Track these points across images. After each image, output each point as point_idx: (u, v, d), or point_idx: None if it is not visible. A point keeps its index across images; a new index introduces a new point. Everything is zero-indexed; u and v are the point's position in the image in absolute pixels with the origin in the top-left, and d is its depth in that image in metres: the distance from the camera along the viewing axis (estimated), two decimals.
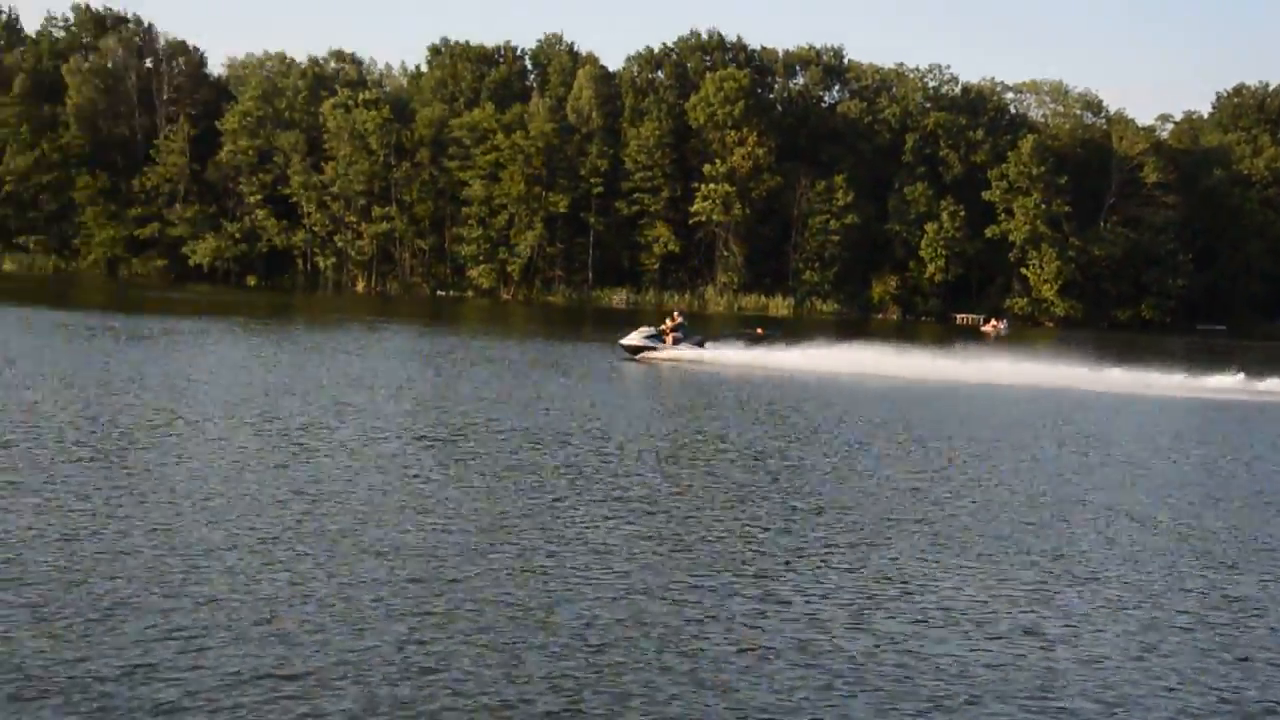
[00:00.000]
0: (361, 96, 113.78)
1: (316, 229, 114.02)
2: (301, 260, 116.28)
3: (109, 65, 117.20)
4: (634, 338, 49.22)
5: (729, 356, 48.83)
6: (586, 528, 17.56)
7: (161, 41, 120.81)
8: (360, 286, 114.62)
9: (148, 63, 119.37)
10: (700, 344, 49.51)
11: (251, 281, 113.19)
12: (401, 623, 12.85)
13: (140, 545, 15.21)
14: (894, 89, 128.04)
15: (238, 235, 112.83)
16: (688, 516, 18.73)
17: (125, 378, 32.58)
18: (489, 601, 13.75)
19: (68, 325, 51.06)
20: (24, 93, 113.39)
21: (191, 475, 19.68)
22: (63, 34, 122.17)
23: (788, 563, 16.22)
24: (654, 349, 48.44)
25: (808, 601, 14.49)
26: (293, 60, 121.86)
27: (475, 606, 13.55)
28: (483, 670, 11.66)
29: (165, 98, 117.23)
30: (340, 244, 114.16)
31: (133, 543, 15.31)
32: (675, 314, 51.63)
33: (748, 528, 18.14)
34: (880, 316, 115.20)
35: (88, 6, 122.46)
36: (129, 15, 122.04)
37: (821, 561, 16.40)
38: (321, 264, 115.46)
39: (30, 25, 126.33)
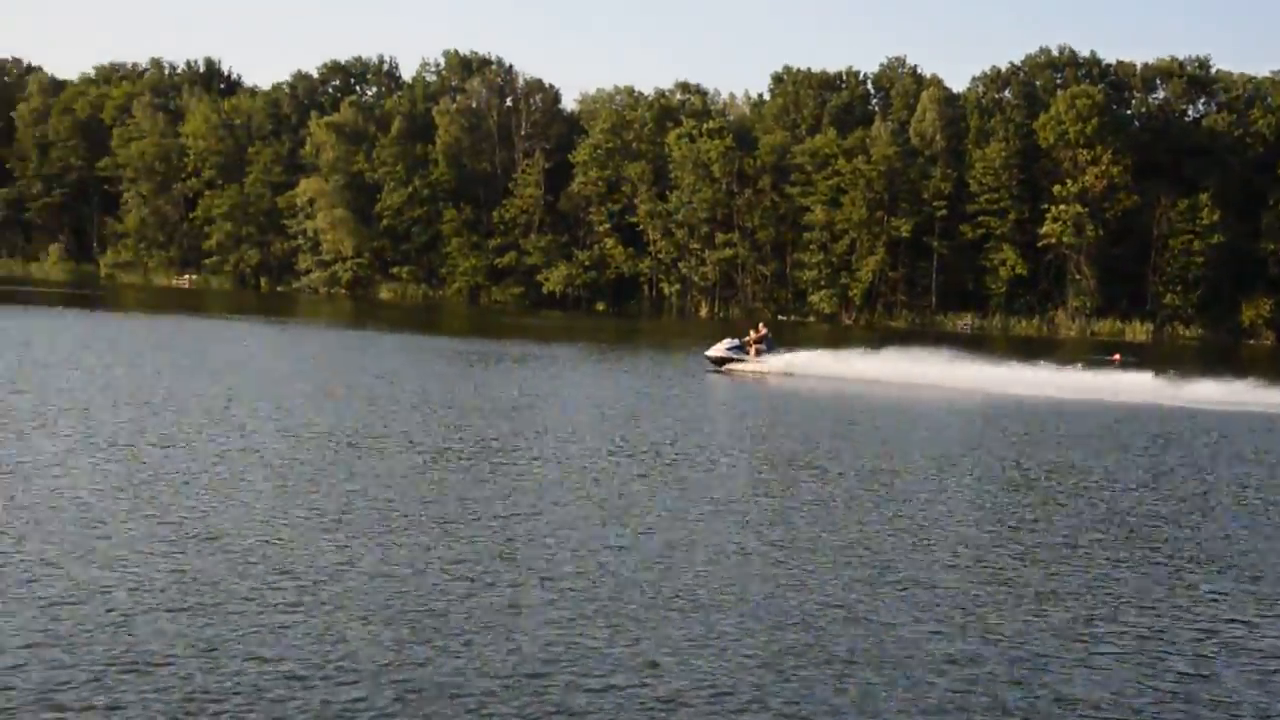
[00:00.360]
0: (705, 126, 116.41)
1: (661, 256, 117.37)
2: (647, 286, 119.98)
3: (474, 105, 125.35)
4: (718, 349, 49.65)
5: (814, 367, 48.18)
6: (943, 568, 17.30)
7: (520, 81, 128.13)
8: (703, 312, 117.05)
9: (508, 101, 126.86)
10: (783, 354, 49.75)
11: (600, 307, 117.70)
12: (762, 651, 13.07)
13: (517, 557, 16.19)
14: (1269, 98, 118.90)
15: (588, 263, 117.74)
16: (1058, 558, 18.11)
17: (488, 398, 34.70)
18: (846, 635, 13.79)
19: (436, 350, 54.85)
20: (400, 134, 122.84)
21: (552, 495, 20.74)
22: (434, 78, 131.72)
23: (1151, 604, 15.41)
24: (738, 360, 48.61)
25: (1168, 653, 13.73)
26: (640, 93, 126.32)
27: (833, 640, 13.61)
28: (842, 701, 11.72)
29: (523, 133, 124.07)
30: (684, 270, 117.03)
31: (506, 555, 16.31)
32: (760, 325, 51.89)
33: (1114, 572, 17.35)
34: (1251, 342, 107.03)
35: (456, 51, 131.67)
36: (493, 58, 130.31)
37: (1172, 606, 15.47)
38: (666, 290, 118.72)
39: (407, 72, 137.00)
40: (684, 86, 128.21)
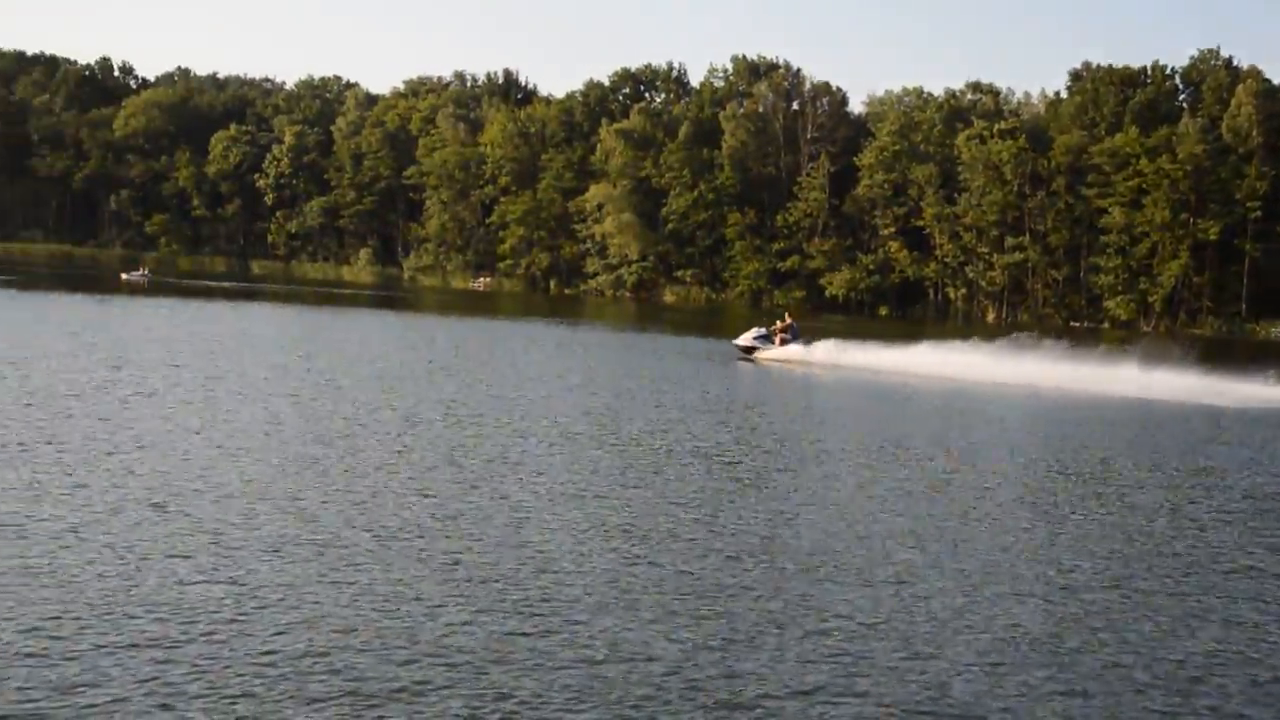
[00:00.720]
0: (997, 126, 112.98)
1: (948, 260, 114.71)
2: (932, 291, 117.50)
3: (760, 109, 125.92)
4: (746, 338, 52.83)
5: (835, 357, 50.17)
6: (1203, 590, 16.26)
7: (807, 84, 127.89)
8: (990, 317, 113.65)
9: (794, 105, 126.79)
10: (808, 344, 51.71)
11: (883, 312, 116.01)
12: (1054, 679, 12.59)
13: (784, 566, 16.17)
14: None
15: (871, 267, 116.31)
16: None
17: (778, 402, 34.80)
18: (1116, 639, 13.14)
19: (714, 354, 55.43)
20: (687, 139, 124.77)
21: (831, 505, 20.62)
22: (722, 84, 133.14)
23: None
24: (763, 349, 51.36)
25: None
26: (930, 95, 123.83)
27: (1131, 667, 13.00)
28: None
29: (809, 137, 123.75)
30: (971, 275, 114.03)
31: (787, 564, 16.31)
32: (786, 316, 55.20)
33: None
34: None
35: (744, 56, 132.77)
36: (780, 62, 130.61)
37: None
38: (951, 295, 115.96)
39: (695, 78, 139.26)
40: (975, 86, 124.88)
